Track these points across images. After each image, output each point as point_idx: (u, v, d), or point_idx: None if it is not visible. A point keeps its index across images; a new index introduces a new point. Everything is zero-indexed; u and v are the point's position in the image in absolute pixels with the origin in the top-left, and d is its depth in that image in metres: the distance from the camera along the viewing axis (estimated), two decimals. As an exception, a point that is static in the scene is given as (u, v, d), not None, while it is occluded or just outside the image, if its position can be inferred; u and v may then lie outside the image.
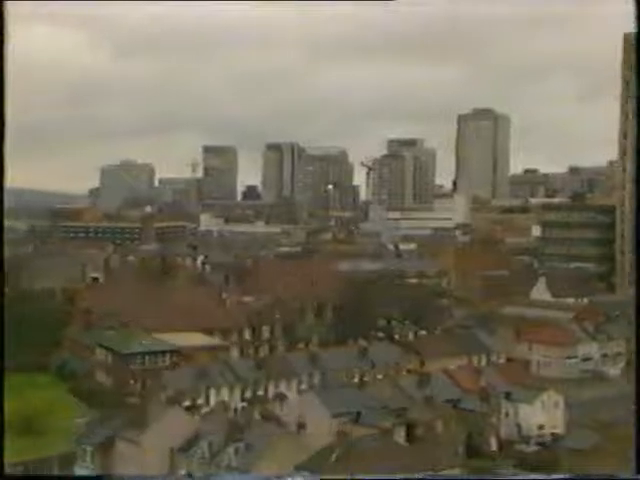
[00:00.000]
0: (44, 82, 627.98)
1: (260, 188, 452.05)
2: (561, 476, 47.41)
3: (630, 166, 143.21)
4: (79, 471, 57.44)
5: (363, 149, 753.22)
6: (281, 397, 73.59)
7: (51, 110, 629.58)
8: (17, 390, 75.51)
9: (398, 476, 38.26)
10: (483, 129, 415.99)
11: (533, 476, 47.73)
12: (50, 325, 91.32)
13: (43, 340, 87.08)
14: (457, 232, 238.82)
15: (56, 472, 55.35)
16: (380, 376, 79.16)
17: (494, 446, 64.91)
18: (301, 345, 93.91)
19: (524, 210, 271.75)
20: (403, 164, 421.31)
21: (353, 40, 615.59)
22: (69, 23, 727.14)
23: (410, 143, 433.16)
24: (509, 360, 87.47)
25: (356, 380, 77.06)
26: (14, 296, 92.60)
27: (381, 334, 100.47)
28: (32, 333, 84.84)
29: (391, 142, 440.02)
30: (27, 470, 58.11)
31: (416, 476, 38.15)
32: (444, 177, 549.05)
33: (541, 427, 68.10)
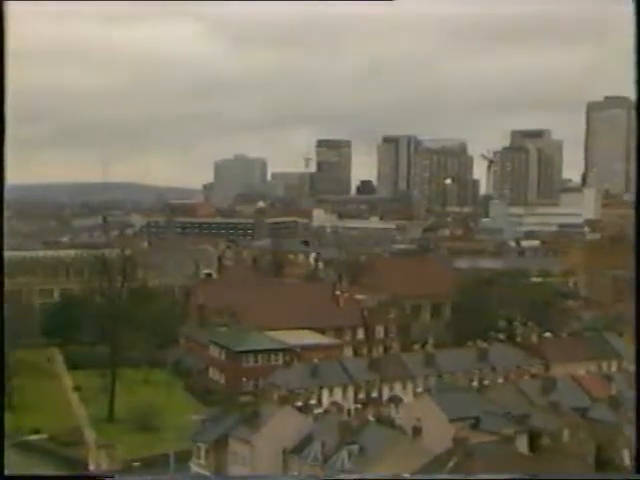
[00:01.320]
0: (162, 78, 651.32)
1: (375, 182, 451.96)
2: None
3: None
4: (194, 468, 59.26)
5: (484, 141, 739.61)
6: (396, 400, 73.35)
7: (167, 105, 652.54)
8: (134, 386, 78.78)
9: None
10: (615, 118, 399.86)
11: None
12: (166, 321, 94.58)
13: (160, 336, 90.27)
14: (586, 229, 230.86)
15: (172, 469, 57.21)
16: (501, 380, 77.57)
17: (627, 460, 62.28)
18: (417, 346, 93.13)
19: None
20: (527, 157, 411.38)
21: (473, 28, 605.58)
22: (188, 18, 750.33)
23: (535, 134, 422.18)
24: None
25: (475, 383, 75.84)
26: (131, 293, 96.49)
27: (502, 336, 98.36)
28: (149, 329, 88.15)
29: (514, 133, 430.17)
30: (145, 466, 60.49)
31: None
32: (572, 170, 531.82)
33: (680, 441, 64.78)
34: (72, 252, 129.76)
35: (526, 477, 40.78)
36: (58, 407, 76.82)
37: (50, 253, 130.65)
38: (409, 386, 76.72)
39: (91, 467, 63.59)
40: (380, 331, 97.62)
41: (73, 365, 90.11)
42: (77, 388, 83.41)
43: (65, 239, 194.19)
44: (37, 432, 63.13)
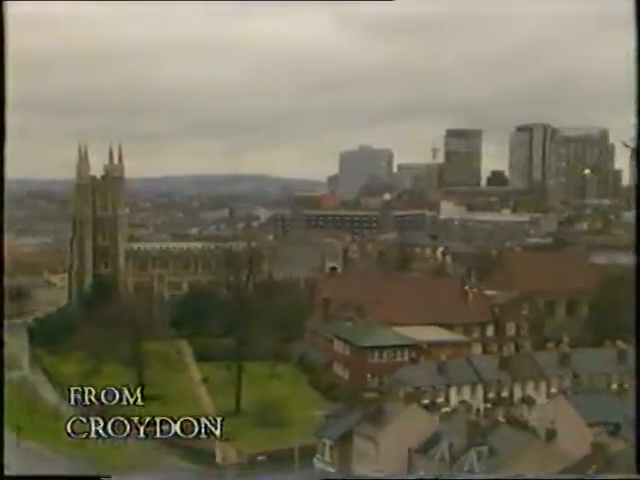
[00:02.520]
0: (290, 70, 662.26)
1: (507, 173, 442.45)
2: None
3: None
4: (317, 464, 60.11)
5: (627, 128, 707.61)
6: (528, 400, 71.82)
7: (295, 97, 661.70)
8: (260, 380, 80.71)
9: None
10: None
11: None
12: (291, 315, 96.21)
13: (285, 330, 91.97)
14: None
15: (297, 464, 58.23)
16: (643, 384, 74.48)
17: None
18: (550, 344, 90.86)
19: None
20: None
21: (618, 10, 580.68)
22: (317, 10, 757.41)
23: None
24: None
25: (615, 386, 73.27)
26: (257, 286, 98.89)
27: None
28: (274, 323, 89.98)
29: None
30: (270, 460, 61.92)
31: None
32: None
33: None
34: (200, 245, 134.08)
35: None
36: (187, 398, 79.65)
37: (179, 245, 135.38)
38: (542, 386, 75.02)
39: (217, 460, 65.64)
40: (511, 328, 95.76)
41: (200, 357, 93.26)
42: (205, 380, 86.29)
43: (194, 231, 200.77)
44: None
